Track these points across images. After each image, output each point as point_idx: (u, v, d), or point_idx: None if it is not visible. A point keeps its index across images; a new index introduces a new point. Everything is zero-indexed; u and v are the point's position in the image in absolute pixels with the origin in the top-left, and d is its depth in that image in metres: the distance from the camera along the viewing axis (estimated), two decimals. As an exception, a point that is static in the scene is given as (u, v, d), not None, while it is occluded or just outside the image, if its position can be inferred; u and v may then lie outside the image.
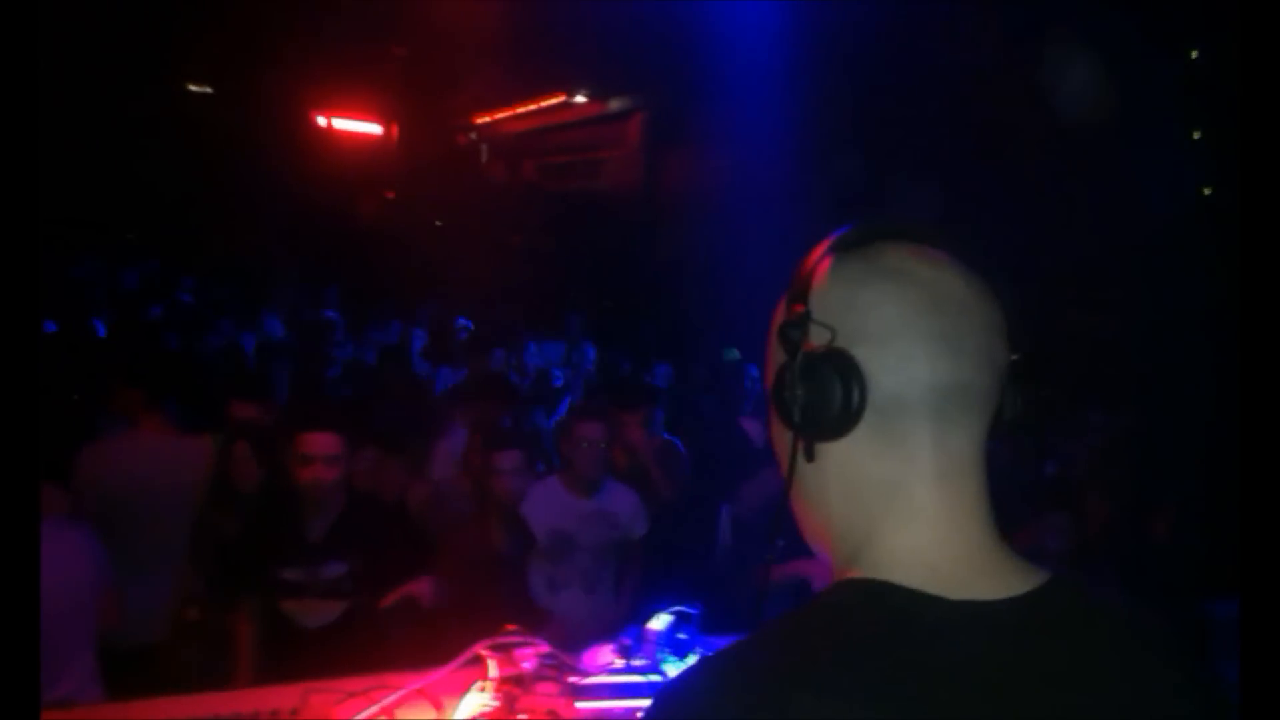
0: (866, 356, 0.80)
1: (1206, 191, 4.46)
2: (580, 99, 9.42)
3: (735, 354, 6.54)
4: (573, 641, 2.29)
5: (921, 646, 0.74)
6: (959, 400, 0.80)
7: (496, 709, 1.94)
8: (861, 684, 0.71)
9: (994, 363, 0.81)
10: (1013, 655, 0.75)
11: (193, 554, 3.38)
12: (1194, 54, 4.55)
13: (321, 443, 2.81)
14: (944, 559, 0.79)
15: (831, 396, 0.79)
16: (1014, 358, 0.83)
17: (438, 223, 11.59)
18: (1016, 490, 2.90)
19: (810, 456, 0.85)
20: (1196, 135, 4.52)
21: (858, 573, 0.81)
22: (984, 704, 0.72)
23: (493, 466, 3.10)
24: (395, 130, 11.77)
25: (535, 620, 2.66)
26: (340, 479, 2.86)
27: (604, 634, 2.34)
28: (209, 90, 11.63)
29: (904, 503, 0.81)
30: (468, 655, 2.01)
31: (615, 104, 9.34)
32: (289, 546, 2.83)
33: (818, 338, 0.83)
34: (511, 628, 2.07)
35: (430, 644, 2.35)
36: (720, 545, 3.66)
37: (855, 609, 0.78)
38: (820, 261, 0.86)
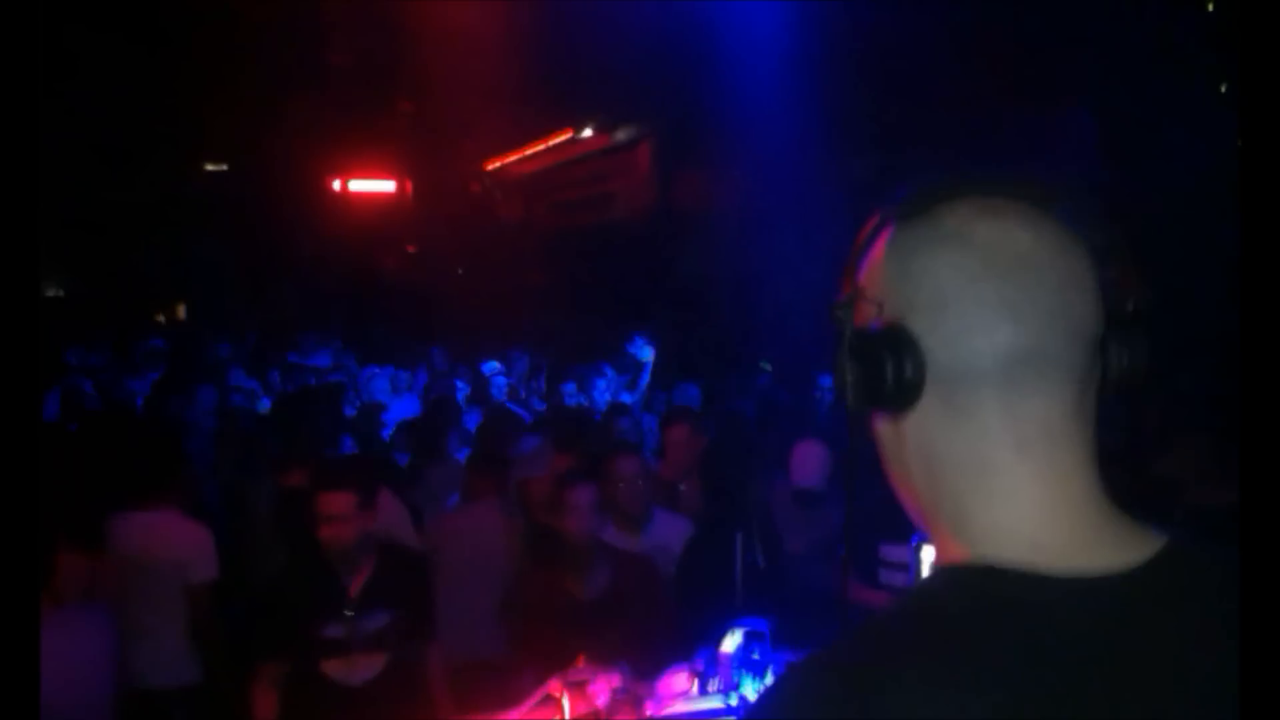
0: (922, 329, 0.75)
1: (1241, 143, 4.36)
2: (587, 133, 9.48)
3: (767, 366, 6.47)
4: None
5: (1027, 626, 0.69)
6: (1030, 367, 0.74)
7: (575, 749, 1.89)
8: (964, 672, 0.66)
9: (1073, 323, 0.75)
10: (1125, 631, 0.69)
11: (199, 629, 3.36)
12: (1210, 5, 4.47)
13: (337, 502, 2.78)
14: (1043, 532, 0.73)
15: (884, 372, 0.75)
16: (1112, 313, 0.77)
17: (459, 271, 11.70)
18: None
19: (878, 435, 0.81)
20: (1224, 88, 4.43)
21: (957, 552, 0.76)
22: (1095, 683, 0.67)
23: (567, 503, 2.93)
24: (409, 185, 11.93)
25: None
26: (362, 535, 2.81)
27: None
28: (224, 168, 11.89)
29: (988, 477, 0.75)
30: (539, 695, 1.96)
31: (622, 134, 9.38)
32: (329, 604, 2.79)
33: (869, 314, 0.79)
34: (581, 663, 2.01)
35: (500, 690, 2.30)
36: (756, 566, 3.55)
37: (954, 594, 0.73)
38: (876, 233, 0.81)
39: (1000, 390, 0.74)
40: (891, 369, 0.74)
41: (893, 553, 3.03)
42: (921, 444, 0.78)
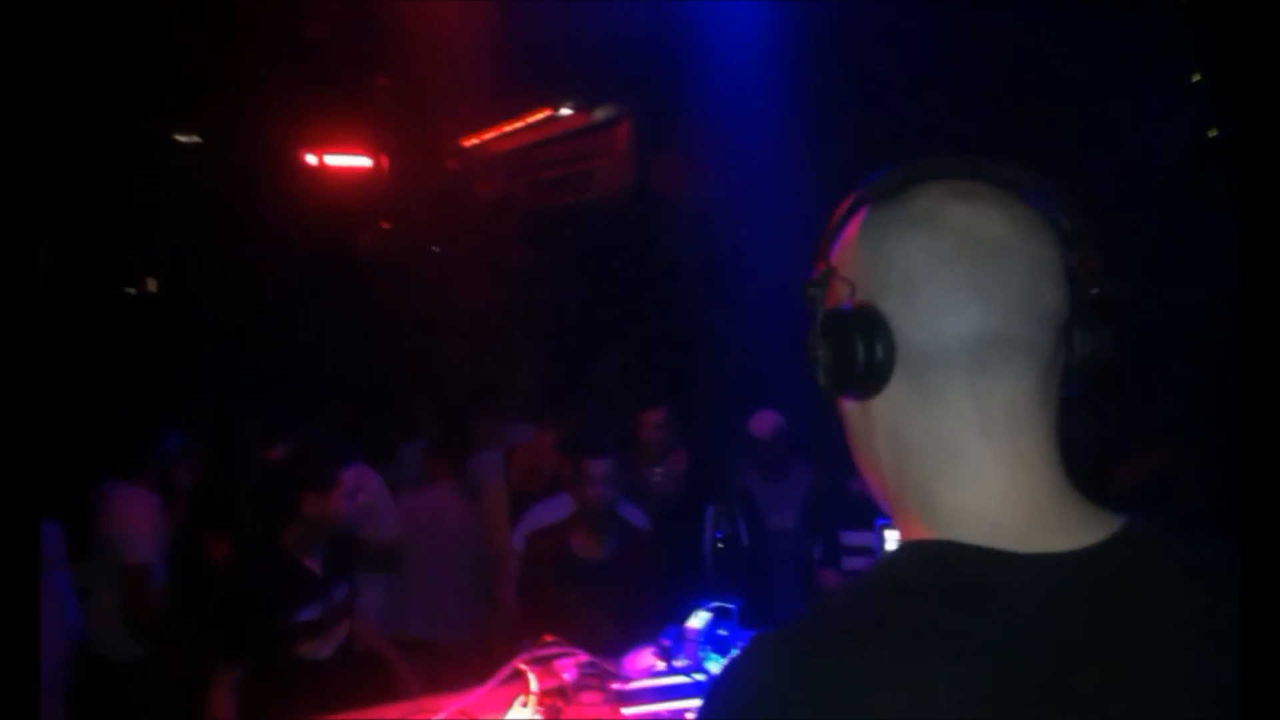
0: (892, 310, 0.76)
1: (1211, 134, 4.43)
2: (566, 111, 9.41)
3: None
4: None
5: (988, 603, 0.71)
6: (997, 350, 0.76)
7: (541, 723, 1.91)
8: (928, 642, 0.68)
9: (1040, 307, 0.77)
10: (1085, 607, 0.71)
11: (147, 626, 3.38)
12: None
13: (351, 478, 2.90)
14: (1007, 513, 0.75)
15: (854, 353, 0.76)
16: (1079, 299, 0.79)
17: (434, 248, 11.60)
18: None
19: (846, 415, 0.83)
20: (1196, 78, 4.48)
21: (922, 533, 0.77)
22: (1055, 659, 0.69)
23: (584, 474, 3.16)
24: (385, 161, 11.80)
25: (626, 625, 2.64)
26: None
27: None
28: (197, 140, 11.68)
29: (954, 459, 0.77)
30: (506, 671, 1.98)
31: (601, 113, 9.33)
32: (304, 589, 2.81)
33: (841, 295, 0.80)
34: (549, 638, 2.03)
35: (462, 669, 2.33)
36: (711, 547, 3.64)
37: (918, 570, 0.75)
38: (849, 214, 0.82)
39: (968, 373, 0.75)
40: (862, 350, 0.76)
41: (854, 538, 3.09)
42: (889, 425, 0.79)
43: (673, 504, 3.96)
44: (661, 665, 2.12)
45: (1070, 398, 0.82)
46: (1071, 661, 0.69)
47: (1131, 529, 0.75)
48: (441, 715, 1.93)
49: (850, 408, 0.82)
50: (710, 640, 2.17)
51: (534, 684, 1.95)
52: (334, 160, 11.76)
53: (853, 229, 0.81)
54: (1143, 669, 0.69)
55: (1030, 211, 0.78)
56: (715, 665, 2.12)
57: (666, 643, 2.16)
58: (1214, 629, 0.71)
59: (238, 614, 2.80)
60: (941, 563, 0.73)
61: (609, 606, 2.94)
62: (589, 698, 1.97)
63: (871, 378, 0.76)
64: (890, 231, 0.78)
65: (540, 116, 9.76)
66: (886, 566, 0.78)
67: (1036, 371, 0.76)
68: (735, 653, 0.75)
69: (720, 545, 3.15)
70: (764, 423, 4.05)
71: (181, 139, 11.71)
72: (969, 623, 0.69)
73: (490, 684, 1.95)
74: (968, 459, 0.76)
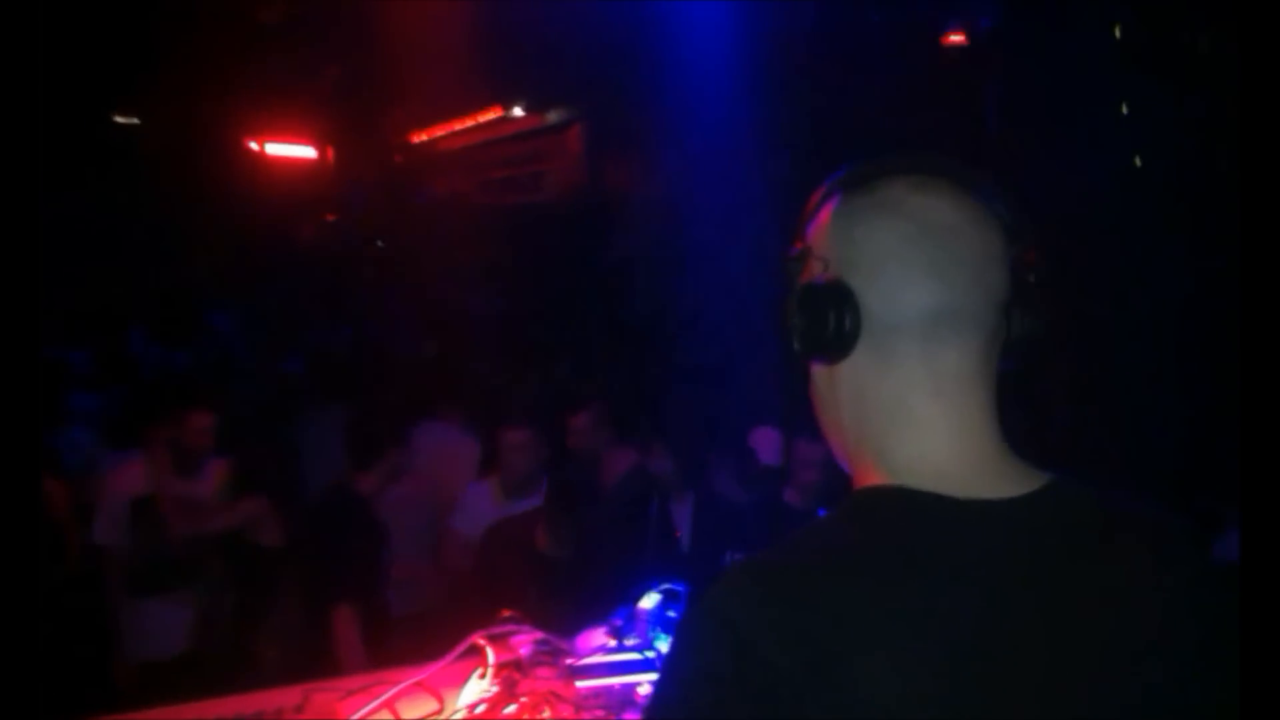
0: (860, 285, 0.87)
1: (1138, 162, 4.72)
2: (518, 112, 9.44)
3: None
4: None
5: (931, 539, 0.81)
6: (949, 322, 0.86)
7: (497, 694, 1.96)
8: (877, 575, 0.78)
9: (986, 286, 0.88)
10: (1016, 547, 0.82)
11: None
12: (1117, 31, 4.80)
13: None
14: (949, 464, 0.86)
15: (826, 323, 0.86)
16: (1018, 284, 0.89)
17: (379, 244, 11.50)
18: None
19: (814, 378, 0.93)
20: (1124, 109, 4.77)
21: (876, 481, 0.87)
22: (989, 590, 0.80)
23: (503, 444, 3.51)
24: (330, 153, 11.64)
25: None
26: None
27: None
28: (135, 121, 11.37)
29: (906, 416, 0.87)
30: (464, 645, 2.03)
31: (553, 115, 9.38)
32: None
33: (816, 270, 0.89)
34: (506, 613, 2.09)
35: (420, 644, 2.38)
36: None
37: (869, 509, 0.85)
38: (824, 201, 0.92)
39: (922, 341, 0.86)
40: (833, 319, 0.86)
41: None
42: (852, 387, 0.89)
43: (626, 500, 4.00)
44: (613, 643, 2.19)
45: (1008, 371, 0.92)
46: (1008, 587, 0.80)
47: (1059, 482, 0.87)
48: (399, 687, 1.97)
49: (818, 371, 0.92)
50: (659, 621, 2.25)
51: (491, 657, 2.00)
52: (276, 149, 11.60)
53: (826, 213, 0.91)
54: (1073, 597, 0.80)
55: (979, 203, 0.89)
56: (664, 644, 2.20)
57: (618, 622, 2.23)
58: (1133, 564, 0.83)
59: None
60: (894, 504, 0.83)
61: (567, 603, 2.98)
62: (543, 672, 2.03)
63: (840, 344, 0.86)
64: (859, 217, 0.89)
65: (492, 116, 9.77)
66: (846, 508, 0.88)
67: (981, 342, 0.88)
68: (715, 579, 0.82)
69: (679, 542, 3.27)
70: (768, 442, 4.01)
71: (120, 119, 11.37)
72: (918, 553, 0.79)
73: (448, 658, 1.99)
74: (919, 416, 0.86)
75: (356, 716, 1.89)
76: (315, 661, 3.11)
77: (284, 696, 1.92)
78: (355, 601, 3.28)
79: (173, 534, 3.52)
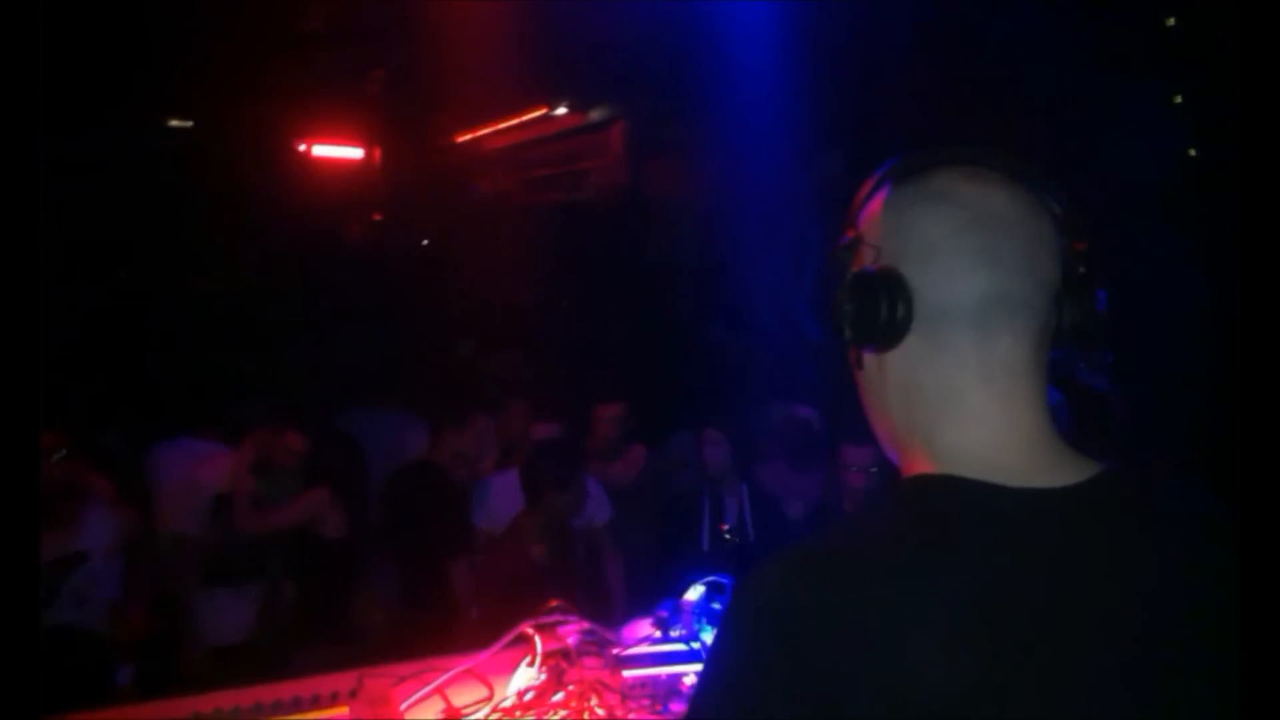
0: (912, 273, 0.88)
1: (1192, 153, 4.62)
2: (561, 111, 9.50)
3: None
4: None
5: (980, 527, 0.82)
6: (1001, 310, 0.87)
7: (545, 682, 2.00)
8: (924, 562, 0.79)
9: (1038, 275, 0.89)
10: (1065, 536, 0.83)
11: None
12: (1170, 21, 4.71)
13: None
14: (1000, 453, 0.87)
15: (878, 310, 0.87)
16: (1068, 275, 0.90)
17: (425, 242, 11.64)
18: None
19: (863, 367, 0.94)
20: (1178, 99, 4.67)
21: (925, 469, 0.88)
22: (1038, 579, 0.80)
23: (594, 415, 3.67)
24: (377, 153, 11.81)
25: None
26: None
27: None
28: (189, 125, 11.64)
29: (957, 404, 0.88)
30: (513, 634, 2.07)
31: (595, 113, 9.42)
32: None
33: (867, 259, 0.91)
34: (554, 603, 2.13)
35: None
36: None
37: (918, 497, 0.86)
38: (875, 190, 0.93)
39: (974, 328, 0.87)
40: (885, 307, 0.87)
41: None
42: (901, 374, 0.91)
43: (638, 497, 4.10)
44: (658, 634, 2.22)
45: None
46: (1057, 576, 0.80)
47: (1108, 472, 0.87)
48: (449, 673, 2.02)
49: (868, 359, 0.93)
50: (705, 612, 2.27)
51: (539, 646, 2.04)
52: (324, 150, 11.79)
53: (877, 203, 0.93)
54: (1120, 587, 0.81)
55: (1029, 194, 0.90)
56: (709, 636, 2.22)
57: (663, 614, 2.26)
58: (1181, 556, 0.83)
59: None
60: (943, 492, 0.84)
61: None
62: (590, 661, 2.07)
63: (891, 332, 0.87)
64: (911, 205, 0.90)
65: (536, 114, 9.84)
66: (895, 496, 0.89)
67: (1032, 330, 0.88)
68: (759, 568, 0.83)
69: (729, 536, 3.27)
70: (804, 409, 4.15)
71: (175, 123, 11.65)
72: (967, 541, 0.80)
73: (497, 646, 2.04)
74: (969, 404, 0.87)
75: (408, 702, 1.94)
76: (416, 625, 3.42)
77: (339, 681, 1.98)
78: (467, 556, 3.67)
79: (243, 527, 3.67)
